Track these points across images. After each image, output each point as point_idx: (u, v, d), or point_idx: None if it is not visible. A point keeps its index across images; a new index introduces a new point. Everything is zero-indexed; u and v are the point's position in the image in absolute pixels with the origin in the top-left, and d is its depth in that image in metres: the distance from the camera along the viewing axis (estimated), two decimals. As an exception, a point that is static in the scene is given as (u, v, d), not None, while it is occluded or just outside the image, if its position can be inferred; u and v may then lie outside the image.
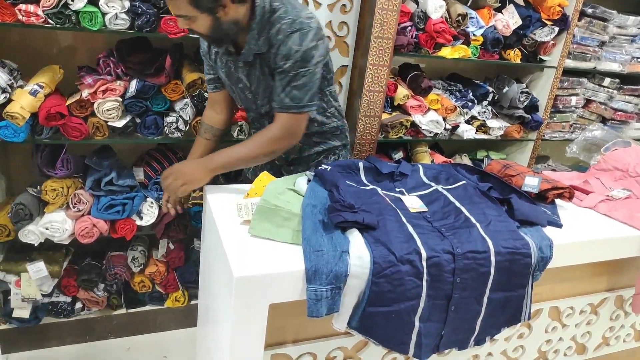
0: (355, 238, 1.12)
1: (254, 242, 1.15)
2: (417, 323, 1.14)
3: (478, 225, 1.24)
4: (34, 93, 1.55)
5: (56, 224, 1.71)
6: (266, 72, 1.40)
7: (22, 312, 1.82)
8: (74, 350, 1.94)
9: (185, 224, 1.92)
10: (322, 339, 1.27)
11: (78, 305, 1.94)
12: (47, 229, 1.71)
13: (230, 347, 1.07)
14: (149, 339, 2.03)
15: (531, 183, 1.50)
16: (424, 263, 1.11)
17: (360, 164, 1.45)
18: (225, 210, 1.30)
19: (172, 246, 2.00)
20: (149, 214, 1.84)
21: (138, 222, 1.83)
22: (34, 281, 1.78)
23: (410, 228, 1.19)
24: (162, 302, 2.05)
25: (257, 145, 1.42)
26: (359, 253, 1.08)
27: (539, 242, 1.26)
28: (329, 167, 1.36)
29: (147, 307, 2.04)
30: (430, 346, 1.20)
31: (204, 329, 1.59)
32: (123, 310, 2.00)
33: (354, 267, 1.06)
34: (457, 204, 1.33)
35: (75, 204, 1.75)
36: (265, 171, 1.33)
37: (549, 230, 1.34)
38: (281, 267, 1.06)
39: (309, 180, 1.35)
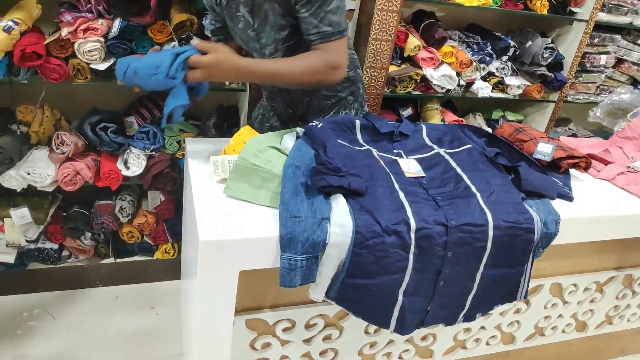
0: (339, 204, 1.03)
1: (228, 203, 1.06)
2: (400, 297, 1.06)
3: (479, 195, 1.13)
4: (7, 30, 1.43)
5: (38, 169, 1.64)
6: (275, 7, 1.25)
7: (7, 257, 1.80)
8: (61, 297, 1.93)
9: (175, 176, 1.83)
10: (302, 305, 1.21)
11: (65, 252, 1.91)
12: (28, 174, 1.64)
13: (198, 310, 1.01)
14: (137, 289, 2.01)
15: (544, 150, 1.37)
16: (413, 235, 1.02)
17: (357, 122, 1.32)
18: (203, 165, 1.21)
19: (162, 197, 1.93)
20: (135, 164, 1.76)
21: (124, 172, 1.75)
22: (18, 227, 1.74)
23: (402, 195, 1.08)
24: (152, 253, 2.01)
25: (300, 69, 1.24)
26: (341, 220, 0.99)
27: (545, 216, 1.15)
28: (320, 124, 1.23)
29: (136, 258, 2.01)
30: (414, 322, 1.13)
31: (185, 283, 1.55)
32: (111, 260, 1.97)
33: (334, 235, 0.97)
34: (459, 170, 1.21)
35: (58, 145, 1.67)
36: (248, 126, 1.22)
37: (558, 204, 1.23)
38: (254, 232, 0.97)
39: (297, 137, 1.23)
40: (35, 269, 1.89)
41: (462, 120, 2.26)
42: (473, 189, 1.14)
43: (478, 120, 2.36)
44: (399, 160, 1.24)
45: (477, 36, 2.14)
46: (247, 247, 0.96)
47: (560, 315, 1.58)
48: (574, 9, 2.18)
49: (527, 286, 1.19)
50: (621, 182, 1.46)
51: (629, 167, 1.54)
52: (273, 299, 1.19)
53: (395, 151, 1.30)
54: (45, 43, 1.52)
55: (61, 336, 1.75)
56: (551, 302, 1.52)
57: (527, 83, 2.25)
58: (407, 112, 2.18)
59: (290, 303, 1.21)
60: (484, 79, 2.17)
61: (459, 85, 2.10)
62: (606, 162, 1.56)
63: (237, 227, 0.98)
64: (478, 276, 1.12)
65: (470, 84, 2.15)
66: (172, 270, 2.03)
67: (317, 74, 1.24)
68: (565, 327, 1.62)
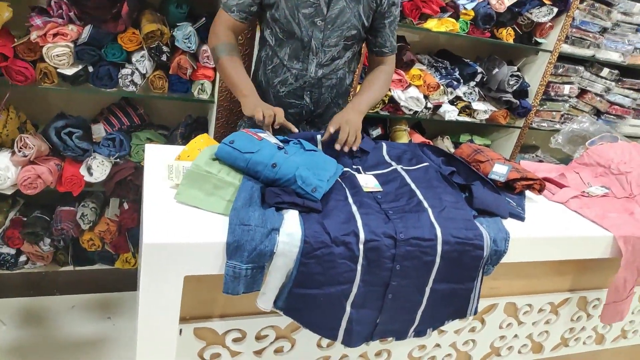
0: (290, 214, 1.04)
1: (179, 208, 1.06)
2: (348, 309, 1.07)
3: (430, 210, 1.15)
4: (-27, 29, 1.44)
5: (-2, 172, 1.62)
6: (358, 8, 1.39)
7: (-39, 260, 1.76)
8: (17, 304, 1.88)
9: (138, 184, 1.82)
10: (252, 315, 1.20)
11: (22, 258, 1.87)
12: (-13, 176, 1.62)
13: (143, 315, 0.99)
14: (95, 299, 1.97)
15: (499, 171, 1.41)
16: (361, 246, 1.03)
17: (318, 137, 1.34)
18: (159, 171, 1.20)
19: (126, 206, 1.92)
20: (99, 170, 1.75)
21: (87, 178, 1.74)
22: (-27, 230, 1.71)
23: (354, 208, 1.10)
24: (112, 262, 1.98)
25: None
26: (289, 230, 0.99)
27: (495, 234, 1.17)
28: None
29: (96, 266, 1.97)
30: (362, 334, 1.13)
31: (138, 294, 1.52)
32: (70, 267, 1.93)
33: (282, 244, 0.98)
34: (413, 186, 1.24)
35: (20, 148, 1.65)
36: (206, 134, 1.23)
37: (509, 223, 1.25)
38: (200, 237, 0.97)
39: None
40: (-10, 275, 1.85)
41: (429, 142, 2.31)
42: (425, 204, 1.17)
43: (446, 143, 2.42)
44: (357, 175, 1.26)
45: (445, 61, 2.21)
46: (192, 252, 0.96)
47: (515, 336, 1.59)
48: (539, 40, 2.27)
49: (477, 302, 1.20)
50: (574, 205, 1.50)
51: (584, 191, 1.58)
52: (223, 307, 1.18)
53: (354, 167, 1.33)
54: (13, 45, 1.52)
55: (11, 344, 1.70)
56: (506, 321, 1.53)
57: (494, 109, 2.32)
58: (376, 132, 2.22)
59: (242, 313, 1.20)
60: (451, 102, 2.23)
61: (426, 107, 2.15)
62: (562, 186, 1.60)
63: (183, 231, 0.98)
64: (427, 290, 1.13)
65: (437, 107, 2.20)
66: (131, 280, 2.00)
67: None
68: (521, 347, 1.63)
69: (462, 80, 2.19)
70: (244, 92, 1.34)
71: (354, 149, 1.31)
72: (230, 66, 1.37)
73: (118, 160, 1.78)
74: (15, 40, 1.58)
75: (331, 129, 1.30)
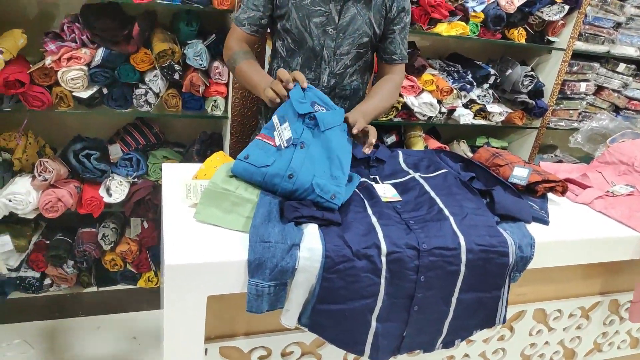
0: (310, 229, 1.02)
1: (199, 227, 1.05)
2: (374, 323, 1.05)
3: (452, 218, 1.12)
4: (-8, 58, 1.47)
5: (19, 196, 1.65)
6: (369, 16, 1.39)
7: (-13, 286, 1.78)
8: (43, 326, 1.90)
9: (157, 203, 1.84)
10: (277, 332, 1.19)
11: (47, 281, 1.89)
12: (9, 200, 1.64)
13: (168, 336, 0.99)
14: (120, 319, 1.98)
15: (519, 174, 1.38)
16: (384, 259, 1.01)
17: None
18: (177, 190, 1.20)
19: (145, 225, 1.93)
20: (117, 190, 1.76)
21: (106, 199, 1.76)
22: (-1, 255, 1.74)
23: (374, 219, 1.08)
24: (135, 281, 1.99)
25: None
26: (310, 245, 0.98)
27: (519, 239, 1.14)
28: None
29: (119, 286, 1.99)
30: (389, 348, 1.11)
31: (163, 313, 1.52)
32: (94, 289, 1.95)
33: (303, 260, 0.97)
34: (433, 194, 1.22)
35: (40, 172, 1.67)
36: (221, 151, 1.23)
37: (533, 227, 1.22)
38: (221, 257, 0.96)
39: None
40: (15, 298, 1.87)
41: (445, 147, 2.28)
42: (446, 212, 1.14)
43: (462, 147, 2.39)
44: (375, 185, 1.25)
45: (457, 65, 2.19)
46: (214, 271, 0.95)
47: (546, 343, 1.55)
48: (552, 38, 2.24)
49: (506, 311, 1.17)
50: (599, 206, 1.46)
51: (608, 191, 1.54)
52: (247, 325, 1.17)
53: (371, 176, 1.31)
54: (29, 71, 1.55)
55: (39, 368, 1.72)
56: (536, 328, 1.49)
57: (509, 110, 2.28)
58: (390, 139, 2.20)
59: (266, 330, 1.19)
60: (465, 106, 2.20)
61: (440, 112, 2.13)
62: (584, 187, 1.56)
63: (204, 251, 0.97)
64: (453, 301, 1.11)
65: (452, 111, 2.18)
66: (154, 299, 2.01)
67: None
68: (553, 354, 1.59)
69: (475, 83, 2.17)
70: (262, 86, 1.28)
71: (372, 141, 1.23)
72: (247, 69, 1.36)
73: (136, 179, 1.79)
74: (31, 66, 1.61)
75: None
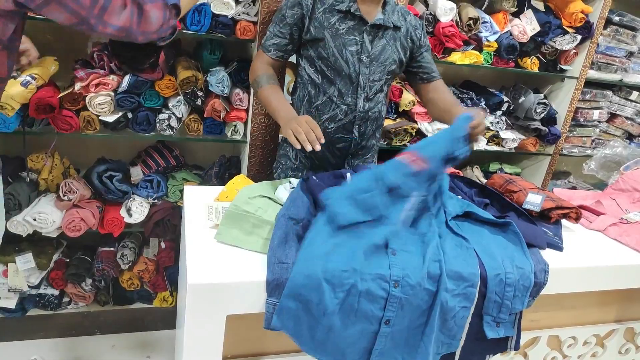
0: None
1: (219, 248, 1.09)
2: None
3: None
4: (25, 84, 1.54)
5: (44, 215, 1.70)
6: (397, 45, 1.50)
7: (8, 302, 1.82)
8: (59, 344, 1.93)
9: (175, 224, 1.88)
10: (292, 353, 1.20)
11: (65, 299, 1.93)
12: (34, 219, 1.70)
13: (185, 355, 1.01)
14: (135, 338, 2.00)
15: (533, 200, 1.39)
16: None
17: (348, 174, 1.37)
18: (199, 212, 1.24)
19: (163, 245, 1.97)
20: (138, 211, 1.81)
21: (127, 219, 1.80)
22: (21, 272, 1.78)
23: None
24: (150, 301, 2.01)
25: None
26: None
27: (533, 265, 1.15)
28: (317, 179, 1.28)
29: (135, 306, 2.02)
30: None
31: (178, 331, 1.55)
32: (110, 307, 1.98)
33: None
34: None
35: (65, 192, 1.73)
36: (243, 174, 1.27)
37: (547, 253, 1.24)
38: (241, 277, 0.99)
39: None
40: (34, 315, 1.91)
41: (459, 173, 2.30)
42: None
43: (475, 173, 2.40)
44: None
45: (471, 92, 2.22)
46: (235, 291, 0.98)
47: (561, 370, 1.54)
48: (564, 67, 2.27)
49: (519, 336, 1.18)
50: (613, 233, 1.47)
51: (622, 218, 1.55)
52: (265, 345, 1.19)
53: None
54: (59, 97, 1.63)
55: (54, 385, 1.74)
56: (550, 355, 1.48)
57: (522, 137, 2.31)
58: (405, 164, 2.22)
59: (283, 350, 1.21)
60: (479, 132, 2.23)
61: (454, 138, 2.15)
62: (598, 214, 1.57)
63: (226, 271, 1.00)
64: (466, 326, 1.12)
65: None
66: (169, 318, 2.03)
67: None
68: (568, 382, 1.57)
69: (488, 110, 2.20)
70: (281, 114, 1.38)
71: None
72: (269, 93, 1.44)
73: (156, 200, 1.84)
74: (61, 91, 1.68)
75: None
